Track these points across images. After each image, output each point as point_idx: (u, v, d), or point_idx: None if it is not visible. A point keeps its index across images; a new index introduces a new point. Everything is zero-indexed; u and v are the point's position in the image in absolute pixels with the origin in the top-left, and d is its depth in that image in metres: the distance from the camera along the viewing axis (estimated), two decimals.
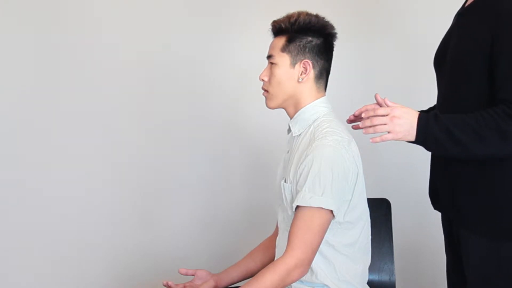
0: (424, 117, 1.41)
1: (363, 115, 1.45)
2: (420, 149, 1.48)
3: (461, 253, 1.53)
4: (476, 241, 1.47)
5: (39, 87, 2.49)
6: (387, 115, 1.40)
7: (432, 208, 1.66)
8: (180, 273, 1.72)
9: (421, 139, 1.41)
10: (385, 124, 1.40)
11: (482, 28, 1.42)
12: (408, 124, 1.40)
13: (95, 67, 2.50)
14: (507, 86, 1.35)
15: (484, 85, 1.42)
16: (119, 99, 2.52)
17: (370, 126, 1.42)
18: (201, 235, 2.58)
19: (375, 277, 1.85)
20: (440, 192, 1.58)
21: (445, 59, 1.56)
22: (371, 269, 1.68)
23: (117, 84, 2.52)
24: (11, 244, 2.50)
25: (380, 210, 1.89)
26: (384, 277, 1.86)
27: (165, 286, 1.70)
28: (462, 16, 1.56)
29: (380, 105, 1.46)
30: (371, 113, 1.42)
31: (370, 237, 1.63)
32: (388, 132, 1.40)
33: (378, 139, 1.41)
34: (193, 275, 1.74)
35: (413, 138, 1.41)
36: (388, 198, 1.93)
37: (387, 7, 2.53)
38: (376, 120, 1.41)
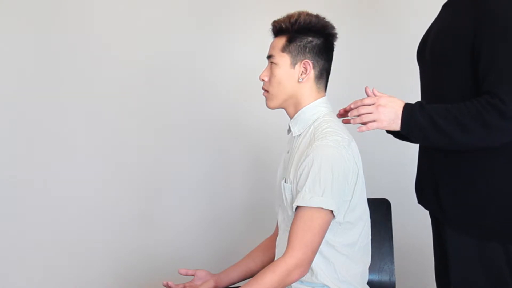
0: (409, 106, 1.43)
1: (352, 106, 1.48)
2: None
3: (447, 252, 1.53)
4: (460, 240, 1.48)
5: (39, 87, 2.49)
6: (373, 104, 1.44)
7: None
8: (180, 274, 1.72)
9: (406, 127, 1.43)
10: (370, 113, 1.43)
11: (465, 20, 1.43)
12: (393, 113, 1.43)
13: (95, 67, 2.51)
14: (489, 79, 1.37)
15: (466, 76, 1.44)
16: (119, 99, 2.53)
17: (357, 116, 1.46)
18: (201, 235, 2.58)
19: (375, 277, 1.85)
20: (424, 186, 1.59)
21: (426, 51, 1.58)
22: (371, 269, 1.68)
23: (117, 84, 2.52)
24: (11, 244, 2.50)
25: (380, 210, 1.89)
26: (384, 277, 1.86)
27: (165, 286, 1.70)
28: (446, 7, 1.58)
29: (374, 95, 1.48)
30: (359, 103, 1.46)
31: (370, 237, 1.63)
32: (374, 121, 1.43)
33: (364, 128, 1.45)
34: (193, 275, 1.74)
35: (398, 127, 1.43)
36: (388, 198, 1.93)
37: (388, 8, 2.53)
38: (362, 109, 1.44)
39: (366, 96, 1.50)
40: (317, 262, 1.51)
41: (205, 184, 2.59)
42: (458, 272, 1.49)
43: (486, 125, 1.35)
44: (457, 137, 1.39)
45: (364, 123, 1.46)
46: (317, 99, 1.59)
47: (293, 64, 1.57)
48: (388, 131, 1.55)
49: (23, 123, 2.49)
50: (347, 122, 1.54)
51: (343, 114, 1.55)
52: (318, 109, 1.58)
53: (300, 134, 1.58)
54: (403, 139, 1.58)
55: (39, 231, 2.50)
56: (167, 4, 2.53)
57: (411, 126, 1.42)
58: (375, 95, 1.47)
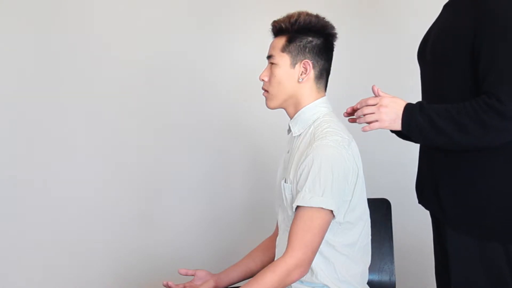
0: (410, 106, 1.45)
1: (358, 106, 1.51)
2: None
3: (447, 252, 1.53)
4: (459, 240, 1.48)
5: (39, 87, 2.49)
6: (376, 105, 1.46)
7: None
8: (180, 274, 1.72)
9: (406, 128, 1.45)
10: (373, 113, 1.46)
11: (465, 20, 1.44)
12: (394, 113, 1.45)
13: (95, 67, 2.50)
14: (489, 79, 1.38)
15: (466, 76, 1.44)
16: (119, 99, 2.53)
17: (362, 116, 1.48)
18: (201, 235, 2.58)
19: (375, 277, 1.85)
20: (424, 186, 1.60)
21: (427, 51, 1.58)
22: (371, 269, 1.68)
23: (117, 84, 2.52)
24: (11, 244, 2.50)
25: (380, 210, 1.89)
26: (384, 277, 1.86)
27: (165, 286, 1.70)
28: (447, 7, 1.58)
29: (378, 95, 1.50)
30: (363, 103, 1.49)
31: (370, 237, 1.63)
32: (376, 121, 1.45)
33: (367, 128, 1.47)
34: (193, 275, 1.74)
35: (399, 127, 1.45)
36: (388, 198, 1.93)
37: (388, 8, 2.53)
38: (366, 110, 1.47)
39: (367, 95, 1.50)
40: (317, 262, 1.51)
41: (205, 184, 2.58)
42: (458, 272, 1.50)
43: (484, 126, 1.36)
44: (455, 137, 1.39)
45: (368, 123, 1.48)
46: (317, 99, 1.59)
47: (293, 64, 1.57)
48: (392, 131, 1.56)
49: (23, 123, 2.49)
50: (353, 121, 1.55)
51: (351, 113, 1.56)
52: (318, 109, 1.58)
53: (300, 134, 1.58)
54: (407, 139, 1.59)
55: (39, 231, 2.50)
56: (167, 4, 2.53)
57: (411, 126, 1.44)
58: (379, 95, 1.48)
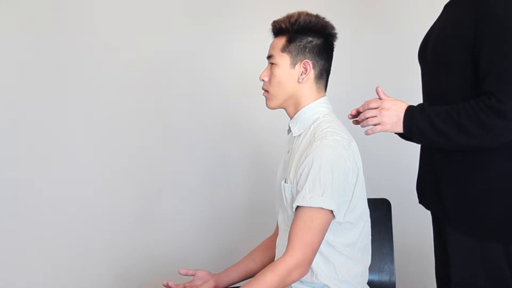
0: (411, 108, 1.47)
1: (360, 109, 1.53)
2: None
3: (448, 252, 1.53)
4: (460, 240, 1.48)
5: (39, 87, 2.49)
6: (377, 108, 1.48)
7: None
8: (180, 274, 1.72)
9: (407, 130, 1.46)
10: (375, 117, 1.48)
11: (465, 20, 1.44)
12: (395, 116, 1.47)
13: (95, 67, 2.50)
14: (489, 79, 1.38)
15: (466, 76, 1.44)
16: (119, 99, 2.53)
17: (364, 119, 1.50)
18: (201, 235, 2.58)
19: (375, 277, 1.85)
20: (425, 186, 1.60)
21: (428, 51, 1.58)
22: (371, 269, 1.69)
23: (117, 84, 2.52)
24: (11, 244, 2.50)
25: (380, 210, 1.89)
26: (384, 277, 1.86)
27: (165, 286, 1.70)
28: (449, 7, 1.58)
29: (380, 98, 1.51)
30: (366, 106, 1.51)
31: (370, 237, 1.63)
32: (378, 124, 1.47)
33: (370, 131, 1.49)
34: (193, 275, 1.74)
35: (401, 129, 1.47)
36: (388, 198, 1.93)
37: (388, 8, 2.53)
38: (368, 113, 1.49)
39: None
40: (317, 262, 1.51)
41: (205, 184, 2.59)
42: (458, 272, 1.50)
43: (483, 126, 1.36)
44: (456, 138, 1.40)
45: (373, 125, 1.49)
46: (317, 99, 1.59)
47: (293, 64, 1.57)
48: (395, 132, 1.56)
49: (23, 123, 2.49)
50: (357, 123, 1.56)
51: (355, 115, 1.57)
52: (318, 109, 1.58)
53: (300, 134, 1.58)
54: (409, 139, 1.60)
55: (39, 231, 2.50)
56: (167, 4, 2.53)
57: (412, 128, 1.45)
58: (381, 98, 1.50)
